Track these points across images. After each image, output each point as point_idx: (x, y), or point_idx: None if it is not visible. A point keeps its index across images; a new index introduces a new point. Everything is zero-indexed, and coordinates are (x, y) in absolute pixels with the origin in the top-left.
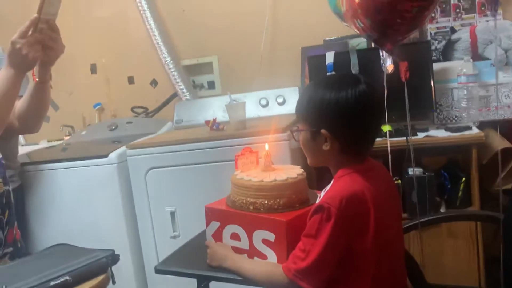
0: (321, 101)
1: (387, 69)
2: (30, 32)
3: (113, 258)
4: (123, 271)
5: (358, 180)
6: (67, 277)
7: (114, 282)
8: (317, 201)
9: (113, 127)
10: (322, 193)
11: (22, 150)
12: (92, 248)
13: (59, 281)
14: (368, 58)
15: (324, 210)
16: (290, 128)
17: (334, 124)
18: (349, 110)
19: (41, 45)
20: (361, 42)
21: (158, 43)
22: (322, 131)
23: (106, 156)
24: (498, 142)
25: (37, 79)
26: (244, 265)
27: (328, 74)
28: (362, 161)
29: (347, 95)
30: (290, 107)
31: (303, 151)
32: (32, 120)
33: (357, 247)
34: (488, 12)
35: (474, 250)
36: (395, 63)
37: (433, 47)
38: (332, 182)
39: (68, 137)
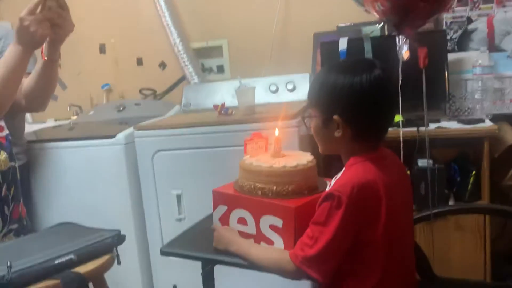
0: (334, 86)
1: (403, 56)
2: (38, 9)
3: (119, 238)
4: (127, 252)
5: (370, 168)
6: (72, 256)
7: (119, 263)
8: (328, 188)
9: (121, 108)
10: (333, 181)
11: (29, 128)
12: (98, 227)
13: (63, 260)
14: (382, 46)
15: (335, 198)
16: (302, 114)
17: (347, 110)
18: (363, 96)
19: (50, 23)
20: (375, 30)
21: (168, 25)
22: (335, 117)
23: (113, 136)
24: (511, 136)
25: (46, 58)
26: (251, 250)
27: (342, 59)
28: (374, 149)
29: (362, 80)
30: (300, 94)
31: (315, 138)
32: (38, 99)
33: (367, 237)
34: (507, 2)
35: (481, 244)
36: (412, 50)
37: (448, 37)
38: (343, 169)
39: (75, 117)
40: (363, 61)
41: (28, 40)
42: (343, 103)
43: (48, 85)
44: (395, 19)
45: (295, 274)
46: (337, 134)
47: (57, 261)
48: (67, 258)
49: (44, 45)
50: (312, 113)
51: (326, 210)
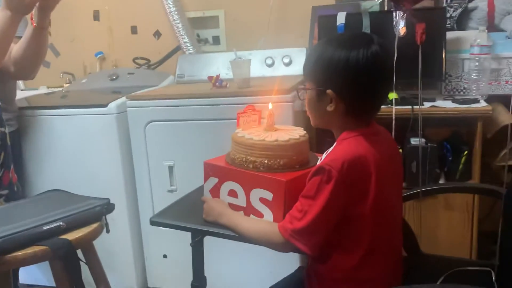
0: (330, 59)
1: (399, 32)
2: None
3: (108, 207)
4: (119, 221)
5: (362, 143)
6: (61, 223)
7: (108, 231)
8: (318, 162)
9: (114, 77)
10: (324, 155)
11: (21, 94)
12: (87, 196)
13: (52, 226)
14: (381, 21)
15: (325, 172)
16: (297, 86)
17: (342, 85)
18: (359, 71)
19: None
20: (374, 5)
21: None
22: (328, 91)
23: (105, 105)
24: (505, 117)
25: (35, 24)
26: (240, 222)
27: (340, 33)
28: (367, 125)
29: (358, 55)
30: (296, 68)
31: (307, 111)
32: (28, 66)
33: (356, 212)
34: None
35: (469, 223)
36: (410, 26)
37: (448, 15)
38: (335, 144)
39: (68, 84)
40: (361, 35)
41: (16, 5)
42: (337, 78)
43: (37, 52)
44: None
45: (284, 246)
46: (330, 108)
47: (45, 228)
48: (55, 224)
49: (33, 11)
50: (306, 86)
51: (316, 184)
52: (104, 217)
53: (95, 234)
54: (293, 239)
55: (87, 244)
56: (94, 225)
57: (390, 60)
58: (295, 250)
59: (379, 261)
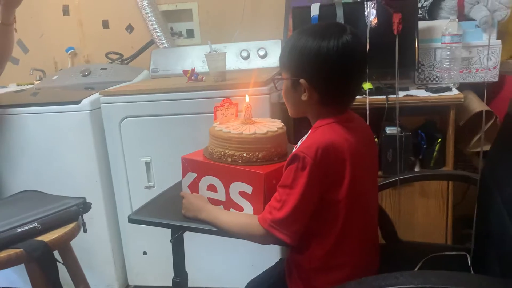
0: (302, 49)
1: (371, 22)
2: None
3: (85, 206)
4: (96, 220)
5: (336, 130)
6: (36, 224)
7: (85, 231)
8: (293, 151)
9: (86, 73)
10: (299, 143)
11: None
12: (62, 195)
13: (26, 228)
14: (354, 12)
15: (300, 159)
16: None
17: (314, 74)
18: (329, 61)
19: None
20: None
21: None
22: (301, 81)
23: (78, 102)
24: (476, 105)
25: (0, 21)
26: (220, 216)
27: (315, 23)
28: (342, 112)
29: (329, 45)
30: (272, 60)
31: (284, 101)
32: None
33: (331, 197)
34: None
35: (444, 209)
36: (381, 17)
37: (419, 5)
38: (309, 132)
39: (38, 82)
40: (334, 25)
41: None
42: (309, 67)
43: (4, 50)
44: None
45: (264, 238)
46: (304, 97)
47: (19, 230)
48: (30, 226)
49: None
50: (284, 75)
51: (292, 173)
52: (80, 216)
53: (72, 234)
54: (273, 230)
55: (64, 244)
56: (71, 225)
57: (363, 50)
58: (276, 241)
59: (352, 246)
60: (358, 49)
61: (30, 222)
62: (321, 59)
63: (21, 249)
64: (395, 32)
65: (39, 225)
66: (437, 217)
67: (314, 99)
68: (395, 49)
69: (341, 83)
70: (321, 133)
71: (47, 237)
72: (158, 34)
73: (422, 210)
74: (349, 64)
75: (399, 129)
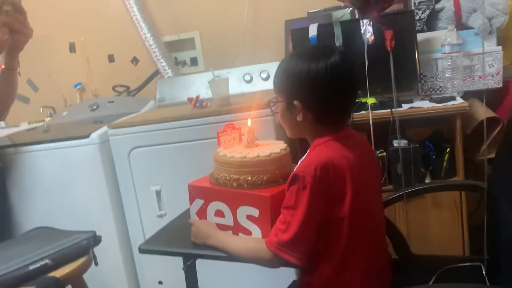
0: (294, 72)
1: (368, 39)
2: None
3: (95, 239)
4: (110, 251)
5: (333, 147)
6: (47, 261)
7: (96, 264)
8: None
9: (95, 107)
10: (298, 163)
11: (2, 132)
12: (74, 230)
13: (38, 265)
14: (352, 30)
15: (300, 179)
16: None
17: (306, 96)
18: (319, 82)
19: (8, 29)
20: (345, 14)
21: (137, 19)
22: (295, 102)
23: (87, 136)
24: (482, 112)
25: (4, 66)
26: (228, 242)
27: (308, 45)
28: (338, 130)
29: (318, 66)
30: None
31: (281, 123)
32: None
33: (334, 215)
34: None
35: (459, 219)
36: (378, 32)
37: (417, 17)
38: (308, 152)
39: (49, 119)
40: (322, 47)
41: None
42: (301, 89)
43: (7, 94)
44: (359, 3)
45: (273, 261)
46: (299, 118)
47: (31, 267)
48: (42, 263)
49: (2, 53)
50: (279, 97)
51: (294, 193)
52: (91, 250)
53: (84, 268)
54: (281, 252)
55: (76, 279)
56: (82, 259)
57: (352, 69)
58: (284, 263)
59: (359, 263)
60: (348, 68)
61: (42, 259)
62: (311, 80)
63: (34, 286)
64: (389, 48)
65: (50, 261)
66: (452, 228)
67: (309, 119)
68: (395, 63)
69: (333, 102)
70: (319, 152)
71: (59, 273)
72: (163, 64)
73: (436, 222)
74: (339, 83)
75: (405, 141)
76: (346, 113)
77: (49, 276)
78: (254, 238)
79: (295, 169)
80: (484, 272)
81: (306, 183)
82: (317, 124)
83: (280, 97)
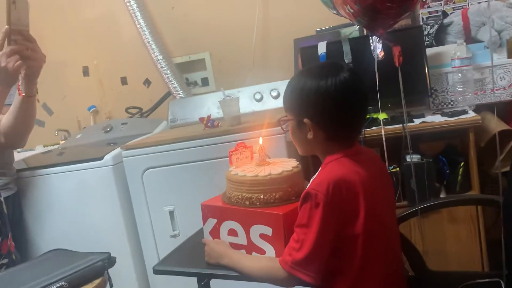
0: (302, 90)
1: (377, 56)
2: (5, 45)
3: (110, 261)
4: (125, 272)
5: (345, 164)
6: (63, 283)
7: (111, 285)
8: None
9: (108, 129)
10: (311, 181)
11: (18, 156)
12: (89, 251)
13: (54, 287)
14: (361, 46)
15: (312, 197)
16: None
17: (315, 113)
18: (329, 99)
19: (19, 56)
20: (354, 31)
21: (149, 42)
22: (305, 120)
23: (101, 158)
24: (495, 125)
25: (23, 94)
26: (242, 262)
27: (317, 63)
28: (349, 146)
29: (327, 83)
30: None
31: (292, 141)
32: (17, 135)
33: (348, 232)
34: None
35: (476, 234)
36: (388, 48)
37: (425, 32)
38: (320, 169)
39: (63, 141)
40: (331, 64)
41: (2, 77)
42: (311, 107)
43: (27, 121)
44: (365, 21)
45: (287, 281)
46: (310, 136)
47: None
48: (58, 285)
49: (19, 81)
50: (289, 116)
51: (307, 211)
52: (106, 271)
53: None
54: (295, 271)
55: None
56: (97, 281)
57: (361, 86)
58: (299, 282)
59: (374, 280)
60: (356, 85)
61: (57, 281)
62: (321, 97)
63: None
64: (397, 64)
65: (66, 283)
66: (469, 243)
67: (320, 136)
68: (406, 78)
69: (343, 119)
70: (331, 169)
71: None
72: (174, 85)
73: (453, 237)
74: (348, 100)
75: (418, 156)
76: (357, 130)
77: None
78: (268, 257)
79: (307, 186)
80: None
81: (319, 201)
82: (328, 141)
83: (290, 115)
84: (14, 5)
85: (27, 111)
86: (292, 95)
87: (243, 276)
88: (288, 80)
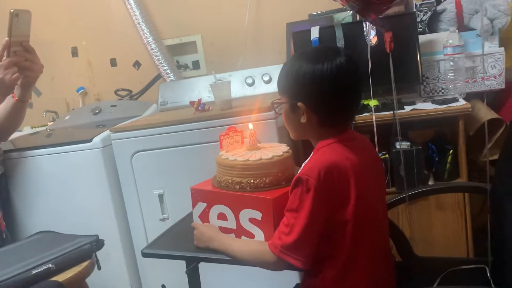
0: (298, 73)
1: (370, 41)
2: (4, 56)
3: (98, 243)
4: (113, 256)
5: (337, 149)
6: (50, 265)
7: (99, 268)
8: (297, 174)
9: (97, 111)
10: (302, 166)
11: None
12: (76, 234)
13: (41, 269)
14: (354, 32)
15: (303, 182)
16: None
17: (310, 98)
18: (324, 83)
19: (17, 67)
20: (347, 16)
21: (139, 23)
22: (299, 104)
23: (90, 140)
24: (485, 113)
25: (17, 98)
26: (231, 245)
27: (312, 47)
28: (342, 132)
29: (323, 67)
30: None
31: (285, 124)
32: (3, 133)
33: (338, 218)
34: None
35: (462, 221)
36: (381, 34)
37: (418, 19)
38: (311, 154)
39: (51, 123)
40: (328, 48)
41: None
42: (306, 91)
43: (15, 122)
44: (357, 6)
45: (276, 265)
46: (303, 120)
47: (34, 272)
48: (44, 267)
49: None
50: (283, 99)
51: (297, 196)
52: (94, 254)
53: (86, 272)
54: (284, 255)
55: (79, 283)
56: (85, 264)
57: (357, 71)
58: (288, 266)
59: (363, 266)
60: (352, 70)
61: (44, 263)
62: (316, 82)
63: None
64: (388, 50)
65: (53, 266)
66: (456, 230)
67: (313, 121)
68: (398, 65)
69: (337, 104)
70: (323, 154)
71: (61, 277)
72: (165, 68)
73: (440, 224)
74: (344, 85)
75: (408, 143)
76: (351, 115)
77: (52, 280)
78: (257, 241)
79: (299, 171)
80: (488, 274)
81: (310, 186)
82: (321, 126)
83: (284, 98)
84: (16, 18)
85: (17, 114)
86: (286, 77)
87: (232, 260)
88: (281, 65)
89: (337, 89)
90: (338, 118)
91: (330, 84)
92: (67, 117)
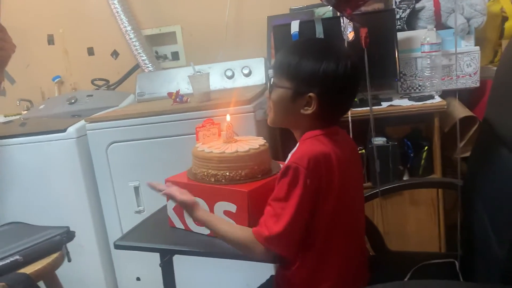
0: (318, 65)
1: (347, 36)
2: None
3: (68, 235)
4: (87, 248)
5: (323, 141)
6: (17, 257)
7: (69, 260)
8: (285, 163)
9: (73, 101)
10: (289, 156)
11: None
12: (47, 225)
13: (8, 261)
14: (333, 27)
15: (292, 171)
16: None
17: (325, 91)
18: (344, 80)
19: None
20: (328, 11)
21: (117, 12)
22: (311, 94)
23: (64, 130)
24: (459, 111)
25: None
26: (217, 224)
27: (318, 38)
28: (330, 126)
29: (346, 66)
30: (256, 78)
31: (272, 108)
32: None
33: (320, 207)
34: None
35: (435, 217)
36: (356, 30)
37: (397, 16)
38: (298, 144)
39: (26, 112)
40: (343, 47)
41: None
42: (322, 84)
43: None
44: (334, 0)
45: (263, 255)
46: (305, 111)
47: (1, 263)
48: (12, 259)
49: None
50: (284, 84)
51: (286, 185)
52: (64, 246)
53: (56, 264)
54: (272, 246)
55: (48, 275)
56: (54, 255)
57: (360, 70)
58: (275, 257)
59: (336, 258)
60: (359, 71)
61: (12, 255)
62: (337, 78)
63: (3, 283)
64: (363, 46)
65: (21, 257)
66: (429, 225)
67: (314, 113)
68: (375, 61)
69: (344, 101)
70: (310, 144)
71: (29, 269)
72: (143, 58)
73: (413, 219)
74: (354, 85)
75: (384, 139)
76: (346, 112)
77: (19, 272)
78: (240, 228)
79: (286, 161)
80: (457, 268)
81: (299, 174)
82: (318, 118)
83: (289, 83)
84: None
85: None
86: (299, 66)
87: (209, 253)
88: (262, 58)
89: (349, 88)
90: (338, 114)
91: (348, 83)
92: (41, 106)
